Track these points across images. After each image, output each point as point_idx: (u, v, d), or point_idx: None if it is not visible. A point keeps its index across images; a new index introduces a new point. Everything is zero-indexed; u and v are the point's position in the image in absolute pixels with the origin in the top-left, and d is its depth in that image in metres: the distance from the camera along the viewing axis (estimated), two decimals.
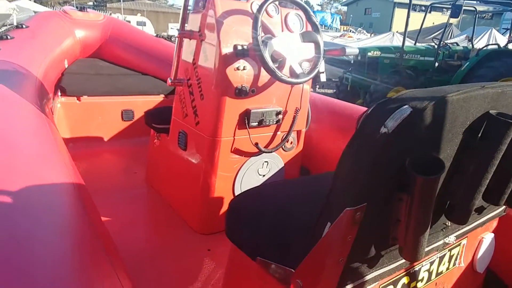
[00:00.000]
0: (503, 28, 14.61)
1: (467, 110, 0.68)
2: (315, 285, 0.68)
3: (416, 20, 7.61)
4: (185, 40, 1.64)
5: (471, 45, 6.67)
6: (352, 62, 7.07)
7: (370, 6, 31.32)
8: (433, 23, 14.51)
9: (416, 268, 0.89)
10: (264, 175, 1.73)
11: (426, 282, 0.94)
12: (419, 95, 0.65)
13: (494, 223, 1.12)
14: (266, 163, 1.71)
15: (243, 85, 1.48)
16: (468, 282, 1.11)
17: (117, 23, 2.99)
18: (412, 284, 0.90)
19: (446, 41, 7.03)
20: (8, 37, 2.19)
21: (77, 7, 2.93)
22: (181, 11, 1.59)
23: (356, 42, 13.12)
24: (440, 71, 6.13)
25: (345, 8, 41.11)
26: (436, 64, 6.10)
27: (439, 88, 0.71)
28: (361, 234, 0.64)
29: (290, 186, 1.13)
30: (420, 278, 0.92)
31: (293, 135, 1.75)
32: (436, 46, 6.25)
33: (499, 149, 0.72)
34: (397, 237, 0.71)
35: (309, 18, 1.56)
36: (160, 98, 2.72)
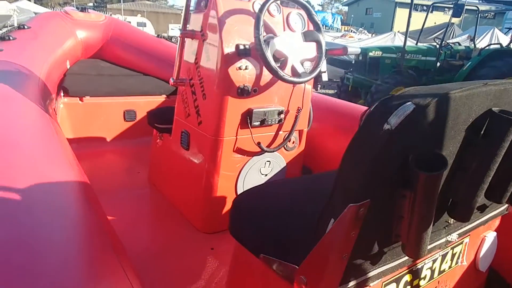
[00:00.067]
0: (505, 28, 14.54)
1: (470, 107, 0.69)
2: (318, 281, 0.69)
3: (418, 20, 7.60)
4: (187, 40, 1.65)
5: (473, 45, 6.65)
6: (353, 62, 7.08)
7: (371, 6, 31.31)
8: (435, 23, 14.49)
9: (419, 266, 0.90)
10: (266, 175, 1.73)
11: (429, 280, 0.94)
12: (422, 92, 0.65)
13: (497, 222, 1.12)
14: (268, 162, 1.72)
15: (245, 85, 1.49)
16: (470, 281, 1.11)
17: (119, 24, 3.00)
18: (415, 282, 0.90)
19: (448, 41, 7.02)
20: (11, 37, 2.20)
21: (77, 8, 2.94)
22: (183, 11, 1.59)
23: (357, 42, 13.10)
24: (442, 71, 6.11)
25: (346, 8, 41.13)
26: (438, 64, 6.08)
27: (441, 85, 0.71)
28: (364, 230, 0.65)
29: (293, 185, 1.14)
30: (422, 276, 0.92)
31: (295, 134, 1.76)
32: (437, 46, 6.23)
33: (501, 146, 0.72)
34: (400, 234, 0.71)
35: (311, 18, 1.57)
36: (162, 98, 2.73)
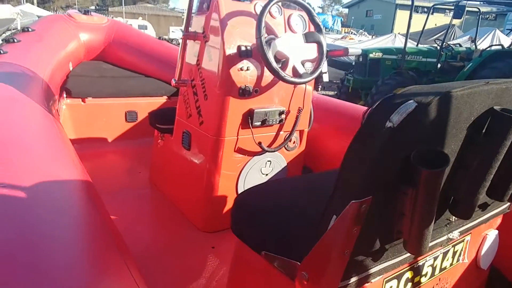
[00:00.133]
0: (507, 29, 14.50)
1: (472, 105, 0.69)
2: (320, 277, 0.69)
3: (418, 22, 7.61)
4: (189, 42, 1.66)
5: (474, 46, 6.64)
6: (353, 63, 7.07)
7: (372, 8, 31.35)
8: (436, 25, 14.48)
9: (420, 263, 0.90)
10: (267, 174, 1.74)
11: (430, 277, 0.95)
12: (424, 90, 0.66)
13: (498, 220, 1.13)
14: (269, 162, 1.72)
15: (246, 85, 1.50)
16: (471, 279, 1.11)
17: (121, 26, 3.02)
18: (416, 279, 0.91)
19: (448, 42, 7.02)
20: (15, 40, 2.22)
21: (80, 11, 2.96)
22: (185, 13, 1.61)
23: (358, 44, 13.10)
24: (443, 72, 6.09)
25: (346, 10, 41.17)
26: (439, 65, 6.06)
27: (443, 84, 0.72)
28: (366, 227, 0.65)
29: (294, 183, 1.15)
30: (423, 273, 0.92)
31: (295, 134, 1.76)
32: (438, 47, 6.22)
33: (503, 144, 0.73)
34: (402, 231, 0.71)
35: (312, 19, 1.58)
36: (163, 99, 2.74)
